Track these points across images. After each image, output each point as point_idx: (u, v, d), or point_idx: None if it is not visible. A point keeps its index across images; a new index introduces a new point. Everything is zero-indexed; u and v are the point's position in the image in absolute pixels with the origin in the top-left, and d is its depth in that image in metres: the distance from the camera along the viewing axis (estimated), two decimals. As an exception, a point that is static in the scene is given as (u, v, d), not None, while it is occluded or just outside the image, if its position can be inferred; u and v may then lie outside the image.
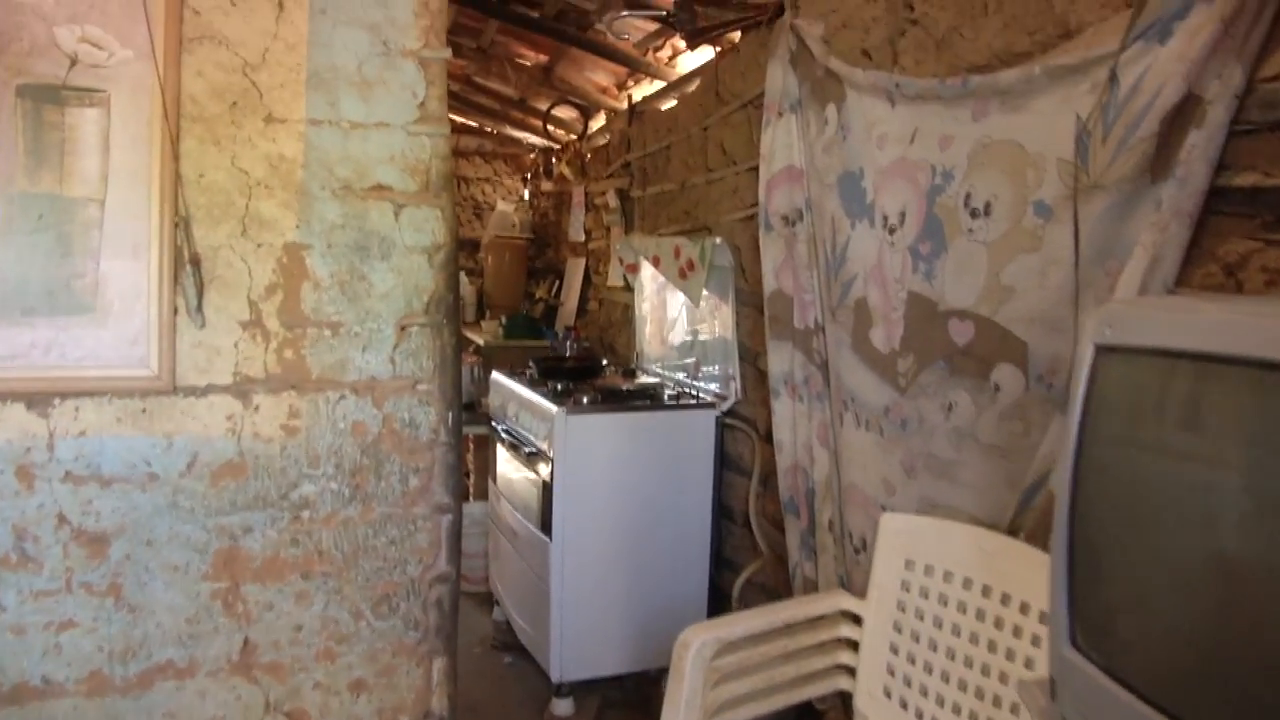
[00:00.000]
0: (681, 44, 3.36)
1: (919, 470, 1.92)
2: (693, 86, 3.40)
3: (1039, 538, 1.58)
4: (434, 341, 2.01)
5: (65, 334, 1.76)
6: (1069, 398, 1.08)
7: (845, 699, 1.99)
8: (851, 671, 1.93)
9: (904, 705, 1.80)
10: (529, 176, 6.35)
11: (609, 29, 3.42)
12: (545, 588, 2.84)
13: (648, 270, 3.67)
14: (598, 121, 4.75)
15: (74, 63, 1.73)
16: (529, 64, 4.49)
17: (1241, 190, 1.29)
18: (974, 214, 1.72)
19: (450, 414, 2.03)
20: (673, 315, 3.60)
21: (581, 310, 4.89)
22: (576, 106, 4.67)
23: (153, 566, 1.86)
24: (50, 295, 1.75)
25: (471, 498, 4.23)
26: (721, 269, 2.95)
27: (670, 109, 3.60)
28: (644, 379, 3.53)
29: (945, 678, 1.72)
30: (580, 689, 2.91)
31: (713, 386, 3.13)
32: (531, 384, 3.21)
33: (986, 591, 1.66)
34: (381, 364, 1.97)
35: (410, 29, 1.93)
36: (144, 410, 1.82)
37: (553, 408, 2.82)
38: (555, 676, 2.84)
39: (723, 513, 3.01)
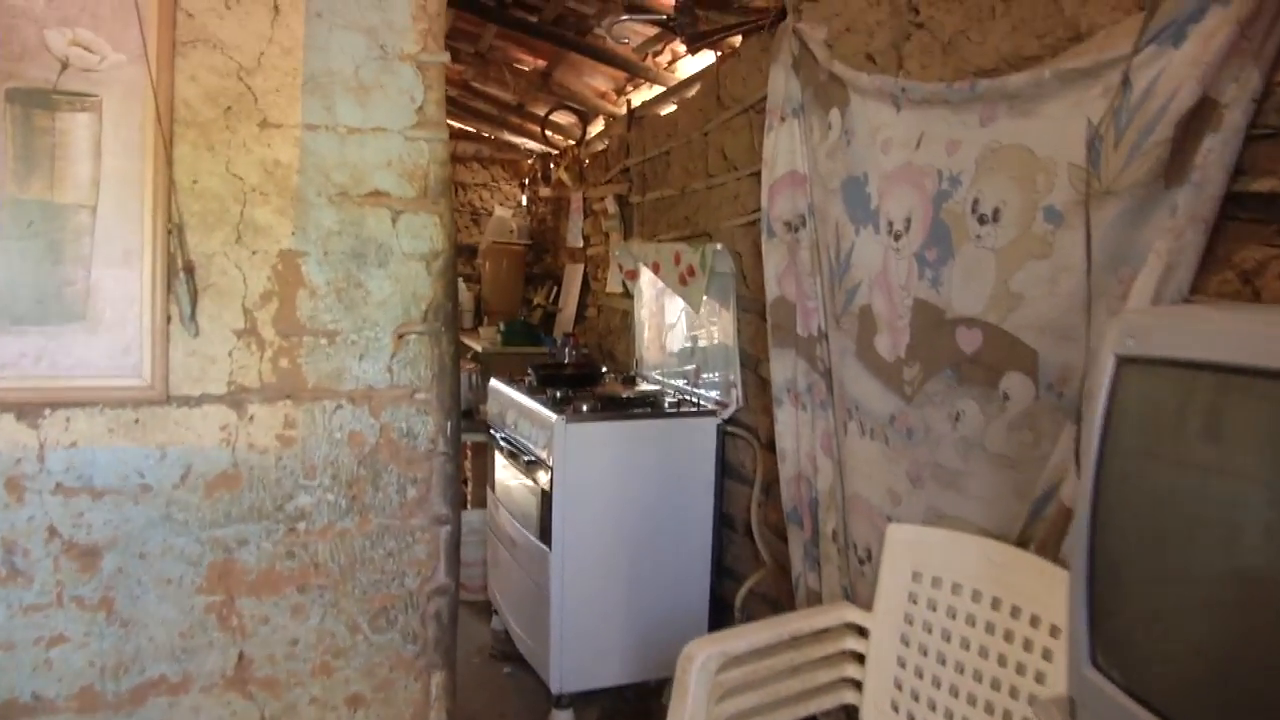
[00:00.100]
0: (681, 48, 3.34)
1: (925, 480, 1.89)
2: (693, 91, 3.38)
3: (1049, 549, 1.55)
4: (432, 350, 1.98)
5: (56, 343, 1.73)
6: (1085, 409, 1.06)
7: (851, 713, 1.96)
8: (858, 685, 1.90)
9: (911, 720, 1.77)
10: (527, 182, 6.33)
11: (608, 33, 3.40)
12: (545, 597, 2.81)
13: (647, 276, 3.64)
14: (596, 127, 4.73)
15: (65, 67, 1.70)
16: (527, 69, 4.48)
17: (1259, 196, 1.26)
18: (982, 220, 1.69)
19: (449, 424, 2.00)
20: (671, 321, 3.58)
21: (580, 317, 4.87)
22: (575, 112, 4.65)
23: (145, 580, 1.82)
24: (41, 303, 1.72)
25: (469, 506, 4.19)
26: (722, 275, 2.92)
27: (670, 114, 3.58)
28: (644, 386, 3.50)
29: (954, 692, 1.69)
30: (580, 700, 2.88)
31: (713, 394, 3.10)
32: (530, 391, 3.18)
33: (996, 604, 1.63)
34: (379, 373, 1.94)
35: (408, 33, 1.90)
36: (136, 420, 1.79)
37: (552, 415, 2.79)
38: (555, 687, 2.81)
39: (724, 522, 2.98)
